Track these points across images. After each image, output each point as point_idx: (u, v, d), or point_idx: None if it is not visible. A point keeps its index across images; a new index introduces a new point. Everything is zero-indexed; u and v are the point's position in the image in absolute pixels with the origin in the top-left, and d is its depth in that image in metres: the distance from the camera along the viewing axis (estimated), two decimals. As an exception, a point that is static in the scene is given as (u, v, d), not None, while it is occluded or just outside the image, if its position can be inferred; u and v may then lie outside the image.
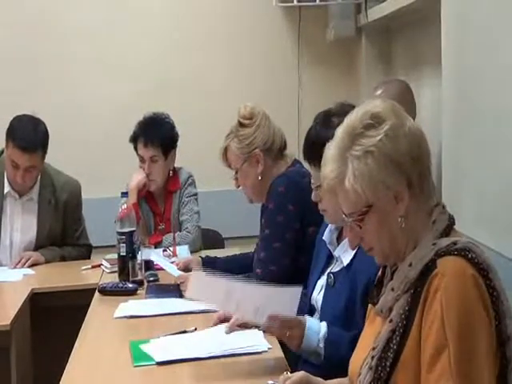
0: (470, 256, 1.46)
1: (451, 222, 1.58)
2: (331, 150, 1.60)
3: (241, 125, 2.85)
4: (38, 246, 3.63)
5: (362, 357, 1.60)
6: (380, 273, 1.68)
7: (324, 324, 2.07)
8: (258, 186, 2.84)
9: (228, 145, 2.88)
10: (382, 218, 1.54)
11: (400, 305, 1.51)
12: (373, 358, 1.52)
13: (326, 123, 2.14)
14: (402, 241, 1.56)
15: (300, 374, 1.75)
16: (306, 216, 2.64)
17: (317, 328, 2.04)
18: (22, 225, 3.64)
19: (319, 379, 1.78)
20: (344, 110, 2.16)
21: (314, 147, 2.14)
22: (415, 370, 1.45)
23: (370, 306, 1.71)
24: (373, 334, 1.60)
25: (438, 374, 1.39)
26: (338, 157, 1.56)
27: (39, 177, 3.64)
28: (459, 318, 1.40)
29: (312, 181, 2.22)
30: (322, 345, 2.02)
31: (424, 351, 1.43)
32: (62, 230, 3.71)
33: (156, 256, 3.09)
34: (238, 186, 2.94)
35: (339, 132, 1.60)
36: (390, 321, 1.51)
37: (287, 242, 2.67)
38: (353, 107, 2.17)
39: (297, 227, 2.67)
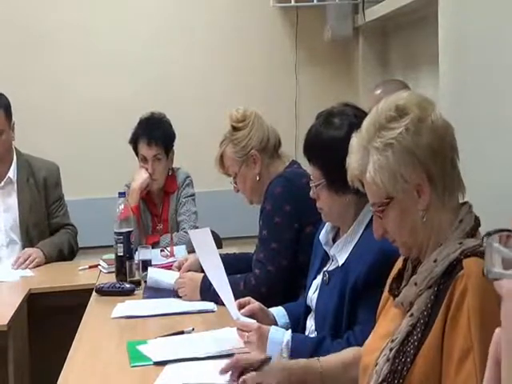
0: None
1: (477, 223, 1.58)
2: (355, 140, 1.62)
3: (234, 129, 2.84)
4: (23, 226, 3.65)
5: (376, 346, 1.60)
6: (401, 265, 1.68)
7: (288, 333, 2.07)
8: (258, 186, 2.84)
9: (223, 151, 2.87)
10: (403, 211, 1.56)
11: (422, 300, 1.51)
12: (391, 349, 1.52)
13: (327, 123, 2.14)
14: (423, 235, 1.56)
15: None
16: (304, 216, 2.64)
17: (280, 338, 2.05)
18: (5, 207, 3.68)
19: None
20: (346, 110, 2.16)
21: (314, 146, 2.14)
22: (433, 368, 1.45)
23: (383, 296, 1.72)
24: (388, 324, 1.61)
25: (464, 377, 1.40)
26: (361, 148, 1.59)
27: (15, 158, 3.69)
28: (485, 321, 1.39)
29: (311, 178, 2.22)
30: (285, 354, 2.03)
31: (451, 354, 1.43)
32: (45, 209, 3.74)
33: (154, 273, 3.04)
34: (238, 191, 2.93)
35: (364, 123, 1.62)
36: (411, 315, 1.52)
37: (285, 243, 2.67)
38: (355, 108, 2.18)
39: (295, 227, 2.67)
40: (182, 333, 2.33)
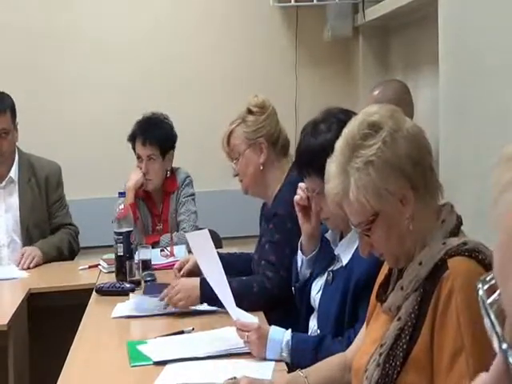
0: (480, 257, 1.46)
1: (459, 222, 1.59)
2: (332, 166, 1.60)
3: (250, 112, 2.78)
4: (23, 226, 3.65)
5: (366, 352, 1.61)
6: (387, 271, 1.68)
7: (288, 332, 2.08)
8: (259, 176, 2.79)
9: (233, 129, 2.80)
10: (390, 223, 1.55)
11: (409, 303, 1.51)
12: (381, 354, 1.52)
13: (314, 131, 2.14)
14: (410, 242, 1.57)
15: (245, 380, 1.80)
16: None
17: (279, 337, 2.06)
18: (6, 208, 3.68)
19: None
20: (329, 112, 2.16)
21: (308, 156, 2.13)
22: (425, 370, 1.45)
23: (371, 302, 1.72)
24: (378, 330, 1.61)
25: (456, 377, 1.40)
26: (339, 172, 1.57)
27: (17, 158, 3.69)
28: (475, 320, 1.39)
29: (309, 192, 2.23)
30: (285, 354, 2.04)
31: (441, 354, 1.43)
32: (46, 209, 3.74)
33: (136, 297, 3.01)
34: (236, 175, 2.86)
35: (338, 146, 1.60)
36: (399, 319, 1.52)
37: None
38: (339, 109, 2.18)
39: None
40: (181, 333, 2.34)
